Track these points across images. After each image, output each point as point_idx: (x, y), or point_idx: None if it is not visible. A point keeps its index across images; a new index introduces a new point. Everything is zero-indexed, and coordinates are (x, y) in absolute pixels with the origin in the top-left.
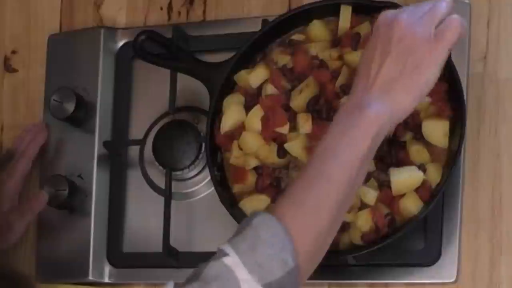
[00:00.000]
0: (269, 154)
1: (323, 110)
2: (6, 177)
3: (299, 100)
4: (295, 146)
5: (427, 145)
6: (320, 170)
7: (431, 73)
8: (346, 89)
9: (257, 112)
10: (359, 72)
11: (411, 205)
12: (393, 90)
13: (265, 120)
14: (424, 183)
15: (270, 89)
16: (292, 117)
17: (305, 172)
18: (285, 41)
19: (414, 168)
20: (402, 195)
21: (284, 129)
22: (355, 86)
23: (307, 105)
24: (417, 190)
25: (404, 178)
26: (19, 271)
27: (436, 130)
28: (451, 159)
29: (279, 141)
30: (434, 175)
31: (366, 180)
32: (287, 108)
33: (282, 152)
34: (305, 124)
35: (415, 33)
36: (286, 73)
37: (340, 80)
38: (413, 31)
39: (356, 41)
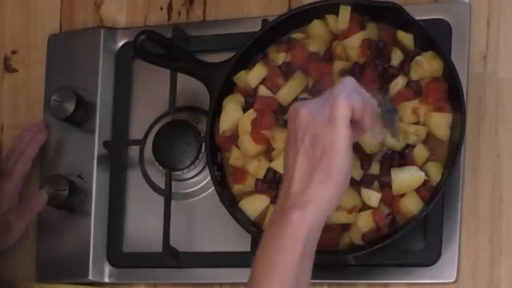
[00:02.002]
0: (259, 171)
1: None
2: (5, 177)
3: (283, 91)
4: (279, 164)
5: (429, 141)
6: (261, 282)
7: (339, 157)
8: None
9: (250, 115)
10: (284, 172)
11: (412, 205)
12: (310, 184)
13: (254, 123)
14: (424, 182)
15: (262, 90)
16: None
17: (250, 282)
18: (284, 41)
19: (415, 168)
20: (402, 195)
21: (270, 134)
22: (280, 188)
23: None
24: (417, 189)
25: (405, 178)
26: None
27: (440, 122)
28: (451, 157)
29: (268, 146)
30: (435, 174)
31: (371, 183)
32: (284, 111)
33: (271, 171)
34: (281, 142)
35: (314, 123)
36: (285, 71)
37: (339, 65)
38: (312, 121)
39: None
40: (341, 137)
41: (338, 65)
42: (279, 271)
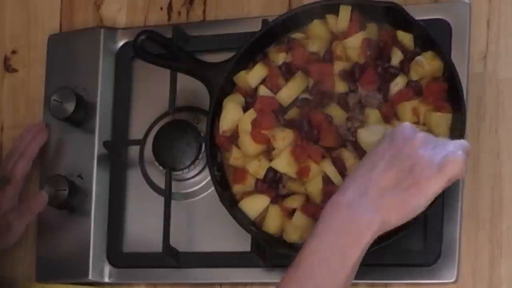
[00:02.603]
0: (259, 171)
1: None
2: (2, 174)
3: (285, 92)
4: (279, 163)
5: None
6: (309, 275)
7: (424, 198)
8: (346, 76)
9: (250, 114)
10: (356, 172)
11: None
12: (387, 202)
13: (255, 123)
14: None
15: (263, 90)
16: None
17: (294, 274)
18: (284, 41)
19: (381, 128)
20: None
21: (271, 133)
22: (347, 184)
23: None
24: None
25: (375, 139)
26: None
27: (440, 122)
28: None
29: (269, 145)
30: None
31: None
32: (285, 111)
33: (271, 171)
34: (281, 141)
35: (423, 157)
36: (285, 72)
37: (339, 66)
38: (423, 154)
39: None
40: (438, 187)
41: (339, 66)
42: (331, 270)
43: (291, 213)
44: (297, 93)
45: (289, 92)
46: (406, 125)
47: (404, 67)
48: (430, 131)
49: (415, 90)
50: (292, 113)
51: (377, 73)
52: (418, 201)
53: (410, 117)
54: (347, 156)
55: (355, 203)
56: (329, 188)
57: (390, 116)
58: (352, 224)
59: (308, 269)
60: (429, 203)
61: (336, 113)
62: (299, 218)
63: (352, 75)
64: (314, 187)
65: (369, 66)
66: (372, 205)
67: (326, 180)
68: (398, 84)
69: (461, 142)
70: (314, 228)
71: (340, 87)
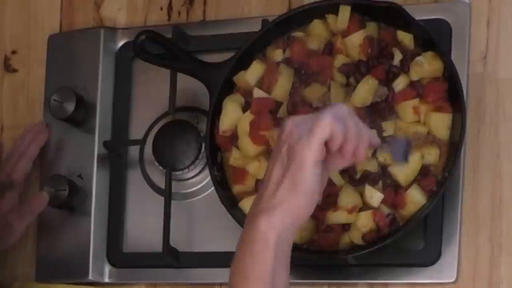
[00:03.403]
0: (259, 171)
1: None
2: (6, 178)
3: (277, 89)
4: None
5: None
6: None
7: (307, 168)
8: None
9: (248, 117)
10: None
11: (417, 198)
12: (277, 191)
13: (253, 124)
14: (427, 175)
15: (257, 92)
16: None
17: None
18: (284, 39)
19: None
20: (406, 189)
21: (270, 133)
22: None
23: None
24: (421, 182)
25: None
26: None
27: (440, 122)
28: (451, 157)
29: (268, 146)
30: (437, 168)
31: (374, 183)
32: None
33: None
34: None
35: (294, 134)
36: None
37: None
38: (294, 132)
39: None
40: (311, 151)
41: (339, 59)
42: (254, 279)
43: None
44: (289, 85)
45: (282, 87)
46: (283, 123)
47: (404, 67)
48: (430, 131)
49: (417, 90)
50: (284, 111)
51: (385, 69)
52: (302, 173)
53: (411, 116)
54: None
55: (253, 212)
56: (329, 189)
57: (386, 115)
58: (253, 233)
59: (237, 285)
60: (315, 172)
61: None
62: None
63: (358, 72)
64: None
65: (377, 63)
66: (267, 206)
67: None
68: (399, 84)
69: (335, 105)
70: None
71: (339, 79)
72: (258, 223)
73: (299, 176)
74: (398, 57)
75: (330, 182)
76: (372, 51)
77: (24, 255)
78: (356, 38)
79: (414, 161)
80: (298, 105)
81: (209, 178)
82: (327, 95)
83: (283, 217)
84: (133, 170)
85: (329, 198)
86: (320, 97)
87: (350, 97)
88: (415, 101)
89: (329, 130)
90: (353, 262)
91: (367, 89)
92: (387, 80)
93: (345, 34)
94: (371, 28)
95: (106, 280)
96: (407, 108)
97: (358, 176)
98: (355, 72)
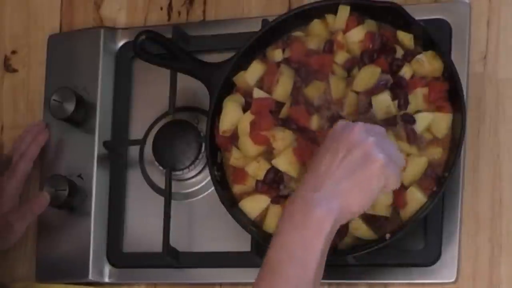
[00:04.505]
0: (259, 172)
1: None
2: (6, 178)
3: (278, 89)
4: (281, 162)
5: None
6: (278, 272)
7: (377, 180)
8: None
9: (248, 117)
10: (311, 168)
11: (417, 198)
12: (343, 188)
13: (253, 124)
14: (427, 175)
15: (257, 92)
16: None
17: (264, 273)
18: (284, 39)
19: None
20: (407, 188)
21: (271, 133)
22: (304, 181)
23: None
24: (421, 182)
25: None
26: None
27: (440, 122)
28: (451, 157)
29: (268, 146)
30: (437, 168)
31: None
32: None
33: (271, 172)
34: (281, 141)
35: (370, 143)
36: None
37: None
38: (368, 140)
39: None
40: (392, 175)
41: (339, 55)
42: (299, 263)
43: None
44: (290, 85)
45: (283, 88)
46: (341, 122)
47: (407, 58)
48: (430, 131)
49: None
50: (285, 111)
51: (388, 61)
52: (373, 183)
53: (422, 104)
54: None
55: (311, 196)
56: None
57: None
58: (310, 217)
59: (276, 266)
60: (382, 184)
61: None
62: None
63: (362, 63)
64: None
65: (379, 55)
66: (328, 195)
67: None
68: (406, 72)
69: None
70: (277, 227)
71: (340, 73)
72: (316, 209)
73: (367, 182)
74: (400, 52)
75: None
76: (374, 46)
77: (24, 255)
78: (357, 34)
79: (418, 164)
80: (301, 104)
81: (209, 178)
82: (328, 90)
83: (341, 209)
84: (133, 170)
85: None
86: (321, 94)
87: (351, 87)
88: (425, 89)
89: (399, 179)
90: (353, 262)
91: (369, 74)
92: (391, 72)
93: (344, 31)
94: (370, 25)
95: (106, 280)
96: (418, 96)
97: None
98: (358, 63)
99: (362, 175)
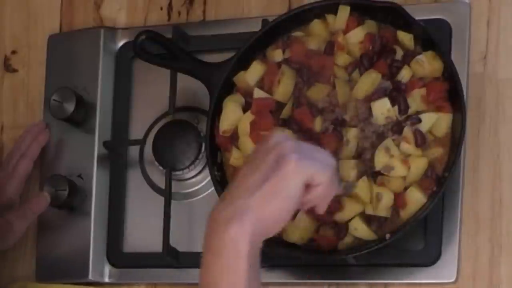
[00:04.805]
0: None
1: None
2: (7, 178)
3: (280, 90)
4: None
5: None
6: None
7: (293, 181)
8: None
9: (248, 117)
10: (228, 185)
11: (417, 198)
12: (254, 197)
13: (253, 124)
14: (427, 175)
15: (257, 92)
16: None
17: None
18: (283, 39)
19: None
20: (407, 188)
21: (272, 131)
22: (218, 200)
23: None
24: (421, 182)
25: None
26: None
27: (440, 122)
28: (451, 157)
29: None
30: (437, 168)
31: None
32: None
33: None
34: None
35: (287, 147)
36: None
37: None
38: (286, 146)
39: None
40: (303, 172)
41: (340, 57)
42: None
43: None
44: (292, 86)
45: (285, 88)
46: (279, 134)
47: (406, 60)
48: (430, 131)
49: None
50: (287, 111)
51: (387, 64)
52: (285, 182)
53: (420, 105)
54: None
55: (223, 216)
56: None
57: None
58: (224, 239)
59: None
60: (296, 185)
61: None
62: (302, 219)
63: (362, 66)
64: None
65: (379, 57)
66: (239, 211)
67: None
68: (405, 76)
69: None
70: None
71: (342, 76)
72: (228, 230)
73: (281, 184)
74: (400, 53)
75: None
76: (373, 48)
77: (24, 255)
78: (357, 35)
79: (418, 164)
80: (303, 105)
81: (209, 178)
82: (332, 93)
83: (257, 222)
84: (133, 170)
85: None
86: (325, 97)
87: (352, 92)
88: (423, 90)
89: (327, 175)
90: (353, 262)
91: (369, 82)
92: (390, 75)
93: (344, 32)
94: (370, 26)
95: (106, 280)
96: (416, 97)
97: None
98: (359, 66)
99: (274, 179)
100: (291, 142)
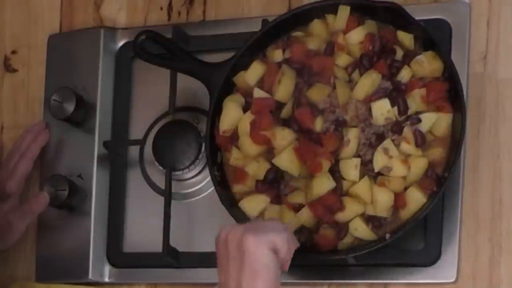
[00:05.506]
0: (259, 172)
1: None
2: (7, 178)
3: (280, 90)
4: (282, 161)
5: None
6: None
7: (261, 252)
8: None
9: (248, 117)
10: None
11: (417, 198)
12: (246, 286)
13: (253, 124)
14: (427, 175)
15: (257, 92)
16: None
17: None
18: (283, 39)
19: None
20: (407, 188)
21: (271, 132)
22: None
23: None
24: (421, 182)
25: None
26: None
27: (440, 122)
28: (451, 157)
29: (268, 146)
30: (437, 168)
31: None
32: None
33: (271, 172)
34: (282, 140)
35: (238, 232)
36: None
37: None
38: (237, 231)
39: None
40: (263, 241)
41: (340, 58)
42: None
43: (296, 208)
44: (292, 86)
45: (285, 88)
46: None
47: (406, 60)
48: (430, 131)
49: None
50: (287, 111)
51: (387, 64)
52: (255, 257)
53: (419, 105)
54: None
55: None
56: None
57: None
58: None
59: None
60: (269, 251)
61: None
62: (305, 215)
63: (362, 67)
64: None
65: (379, 57)
66: None
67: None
68: (404, 76)
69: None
70: None
71: (342, 76)
72: None
73: (253, 258)
74: (400, 53)
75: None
76: (374, 48)
77: (24, 255)
78: (357, 35)
79: (418, 164)
80: (303, 106)
81: (209, 178)
82: (333, 94)
83: None
84: (133, 170)
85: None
86: (326, 97)
87: (352, 93)
88: (423, 90)
89: (284, 236)
90: (353, 262)
91: (369, 82)
92: (390, 75)
93: (345, 32)
94: (370, 26)
95: (106, 280)
96: (416, 97)
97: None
98: (359, 66)
99: (247, 259)
100: (239, 227)
